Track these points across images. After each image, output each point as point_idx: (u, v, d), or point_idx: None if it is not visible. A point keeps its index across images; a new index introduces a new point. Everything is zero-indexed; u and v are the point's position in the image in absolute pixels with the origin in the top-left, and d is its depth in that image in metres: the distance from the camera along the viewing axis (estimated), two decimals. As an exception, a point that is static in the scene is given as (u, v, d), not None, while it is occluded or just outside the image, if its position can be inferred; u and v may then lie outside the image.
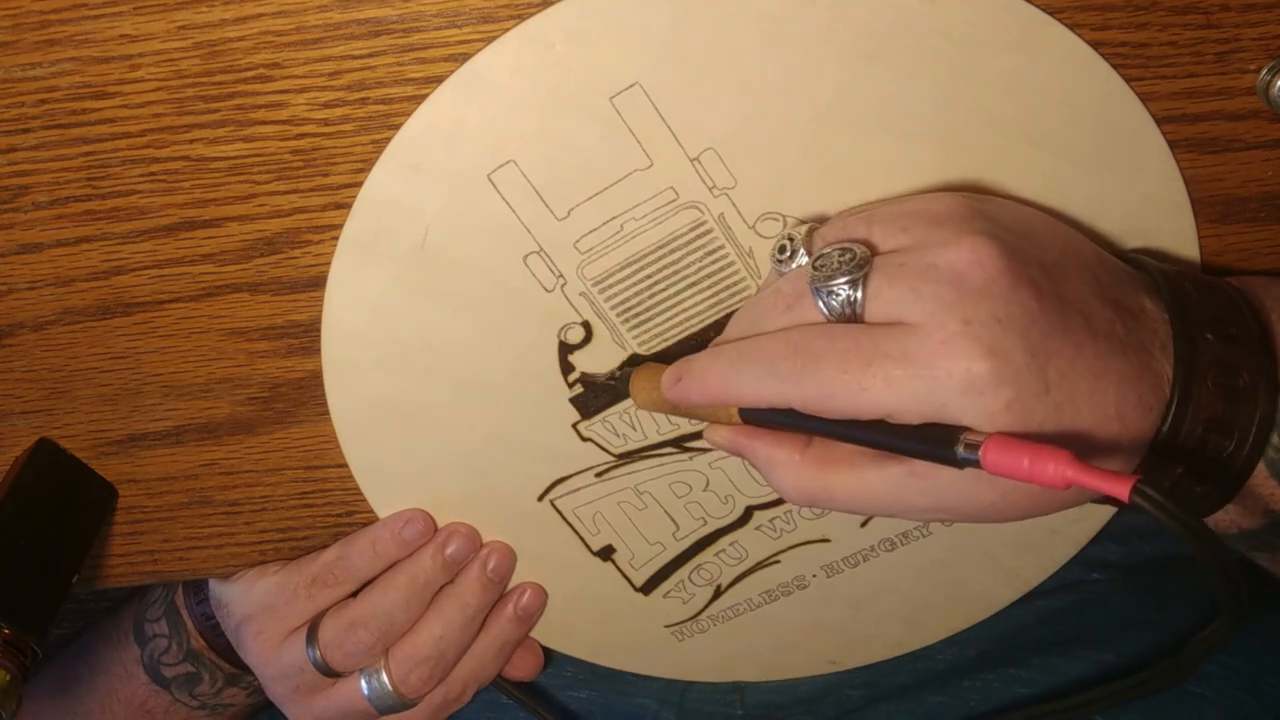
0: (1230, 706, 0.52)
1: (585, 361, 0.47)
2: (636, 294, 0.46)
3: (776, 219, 0.44)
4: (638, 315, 0.46)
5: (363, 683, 0.51)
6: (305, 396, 0.48)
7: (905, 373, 0.37)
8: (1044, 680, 0.54)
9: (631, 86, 0.41)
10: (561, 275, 0.45)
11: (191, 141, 0.42)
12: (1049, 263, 0.39)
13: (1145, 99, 0.42)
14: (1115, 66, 0.42)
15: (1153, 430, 0.39)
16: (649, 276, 0.45)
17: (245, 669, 0.56)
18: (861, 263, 0.38)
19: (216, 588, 0.54)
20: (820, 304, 0.39)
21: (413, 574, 0.50)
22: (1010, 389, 0.36)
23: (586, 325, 0.46)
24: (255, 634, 0.52)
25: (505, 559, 0.51)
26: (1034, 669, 0.54)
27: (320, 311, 0.46)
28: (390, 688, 0.51)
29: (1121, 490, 0.34)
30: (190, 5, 0.40)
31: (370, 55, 0.41)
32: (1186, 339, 0.39)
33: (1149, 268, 0.42)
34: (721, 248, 0.44)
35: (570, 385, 0.47)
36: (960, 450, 0.36)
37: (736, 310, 0.44)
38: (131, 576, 0.52)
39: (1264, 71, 0.42)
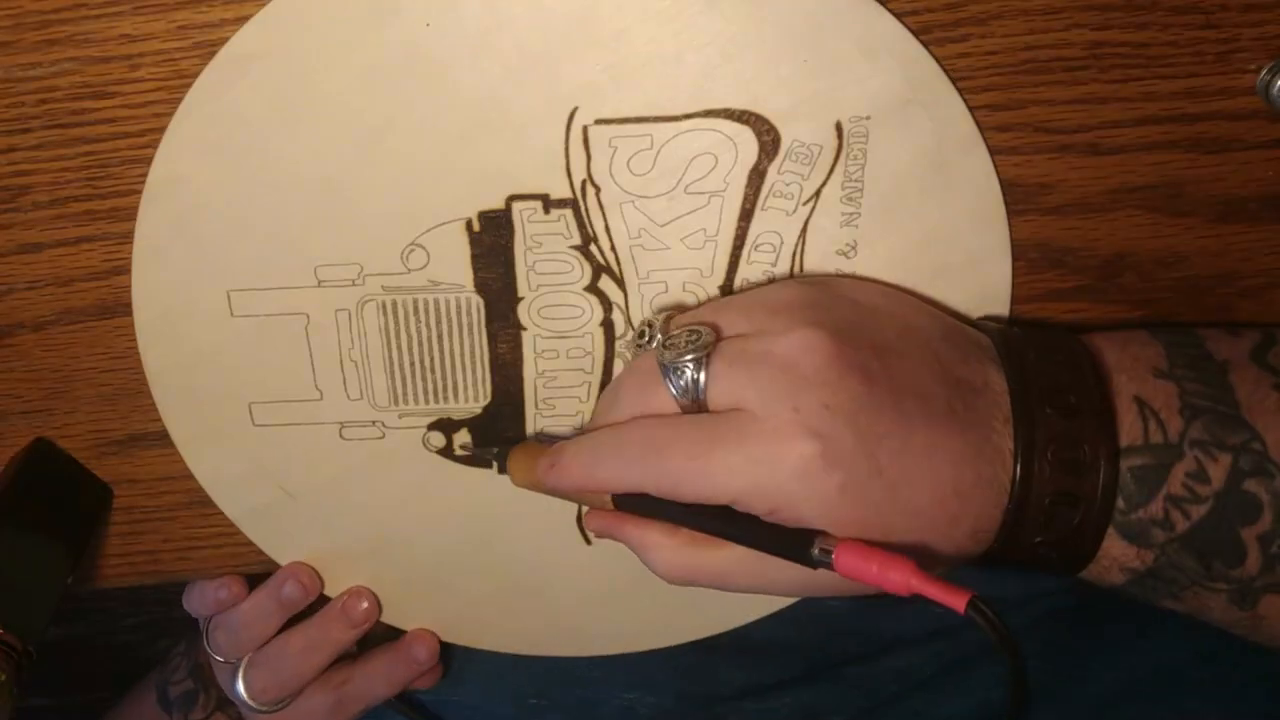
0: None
1: None
2: None
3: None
4: None
5: None
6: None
7: (742, 458, 0.38)
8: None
9: None
10: None
11: (191, 141, 0.42)
12: (884, 345, 0.40)
13: (1145, 99, 0.42)
14: (1115, 66, 0.42)
15: (999, 505, 0.40)
16: None
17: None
18: (706, 344, 0.40)
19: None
20: (668, 383, 0.41)
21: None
22: (841, 472, 0.38)
23: None
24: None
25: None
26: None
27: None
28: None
29: (958, 604, 0.36)
30: (190, 5, 0.40)
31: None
32: (1025, 415, 0.40)
33: (994, 335, 0.43)
34: None
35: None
36: (815, 553, 0.38)
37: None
38: (131, 576, 0.52)
39: (1264, 71, 0.42)
